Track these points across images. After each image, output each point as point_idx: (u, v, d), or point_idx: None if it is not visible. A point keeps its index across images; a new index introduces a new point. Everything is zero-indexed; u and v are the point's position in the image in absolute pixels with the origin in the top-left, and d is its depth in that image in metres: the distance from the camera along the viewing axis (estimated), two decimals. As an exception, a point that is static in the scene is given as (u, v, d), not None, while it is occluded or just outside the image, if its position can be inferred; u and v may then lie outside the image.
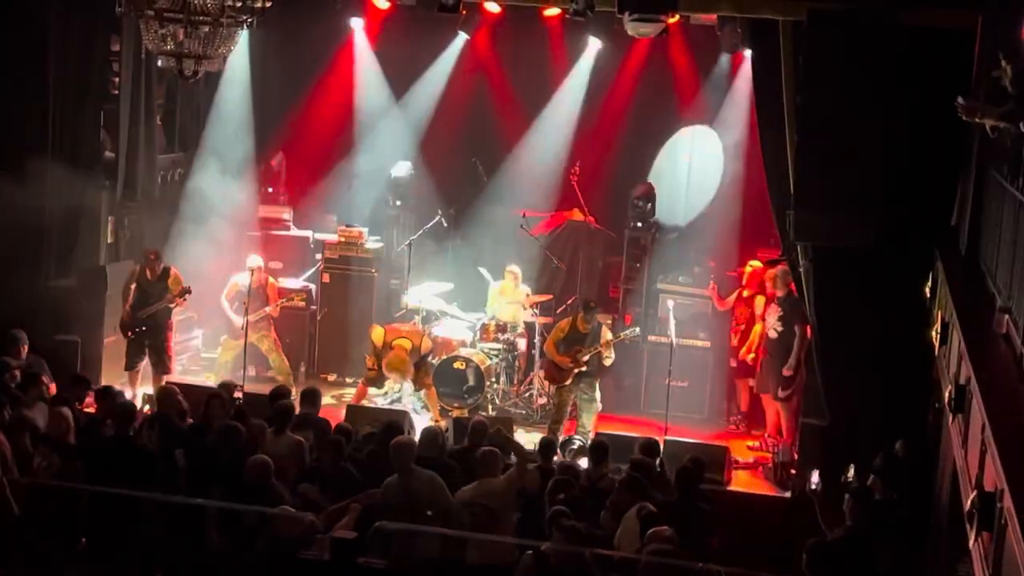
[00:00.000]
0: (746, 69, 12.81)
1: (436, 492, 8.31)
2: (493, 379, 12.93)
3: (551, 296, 13.67)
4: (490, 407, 12.79)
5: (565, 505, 7.91)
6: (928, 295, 9.61)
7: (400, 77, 14.83)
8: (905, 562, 8.29)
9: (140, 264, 12.41)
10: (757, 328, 12.68)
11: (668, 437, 11.32)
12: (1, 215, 11.32)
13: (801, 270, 10.87)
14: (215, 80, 13.61)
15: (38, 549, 7.94)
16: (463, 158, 14.81)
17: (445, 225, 14.07)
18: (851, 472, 9.65)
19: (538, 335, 13.15)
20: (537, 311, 13.35)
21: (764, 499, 11.02)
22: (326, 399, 11.45)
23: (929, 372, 9.41)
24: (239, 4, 8.20)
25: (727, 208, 13.83)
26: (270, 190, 14.76)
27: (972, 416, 6.49)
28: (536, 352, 13.18)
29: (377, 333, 12.47)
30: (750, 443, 12.59)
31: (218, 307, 12.90)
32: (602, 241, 14.34)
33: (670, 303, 12.84)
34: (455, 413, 12.32)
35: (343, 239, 13.98)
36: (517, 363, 13.30)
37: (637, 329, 12.65)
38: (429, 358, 12.53)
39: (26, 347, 10.99)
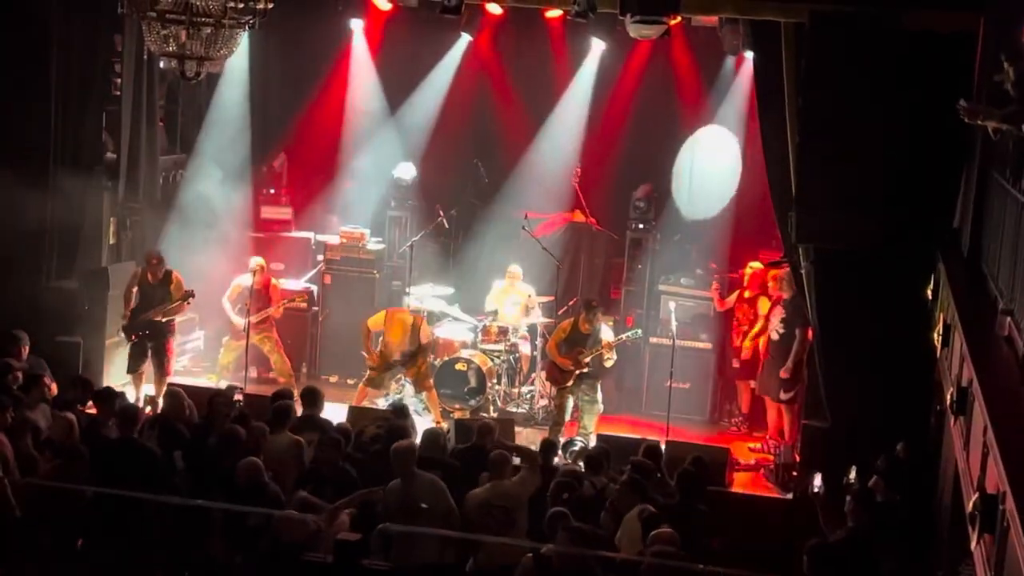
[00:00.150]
0: (748, 71, 12.81)
1: (438, 495, 8.29)
2: (494, 380, 12.93)
3: (553, 297, 13.69)
4: (491, 408, 12.80)
5: (568, 507, 7.90)
6: (930, 297, 9.59)
7: (402, 79, 14.81)
8: (907, 564, 8.26)
9: (141, 267, 12.38)
10: (759, 327, 12.69)
11: (669, 439, 11.32)
12: (3, 216, 11.33)
13: (803, 272, 10.85)
14: (216, 81, 13.61)
15: (38, 549, 7.94)
16: (465, 159, 14.81)
17: (447, 226, 14.08)
18: (853, 474, 9.61)
19: (539, 336, 13.15)
20: (540, 312, 13.35)
21: (765, 501, 11.01)
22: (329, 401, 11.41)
23: (931, 374, 9.38)
24: (241, 5, 8.19)
25: (729, 209, 13.82)
26: (272, 191, 14.76)
27: (974, 418, 6.48)
28: (538, 353, 13.19)
29: (376, 317, 12.47)
30: (751, 445, 12.60)
31: (220, 308, 12.90)
32: (603, 242, 14.35)
33: (671, 305, 12.85)
34: (456, 415, 12.33)
35: (345, 240, 13.98)
36: (519, 364, 13.30)
37: (639, 331, 12.66)
38: (430, 356, 12.53)
39: (28, 348, 10.96)
